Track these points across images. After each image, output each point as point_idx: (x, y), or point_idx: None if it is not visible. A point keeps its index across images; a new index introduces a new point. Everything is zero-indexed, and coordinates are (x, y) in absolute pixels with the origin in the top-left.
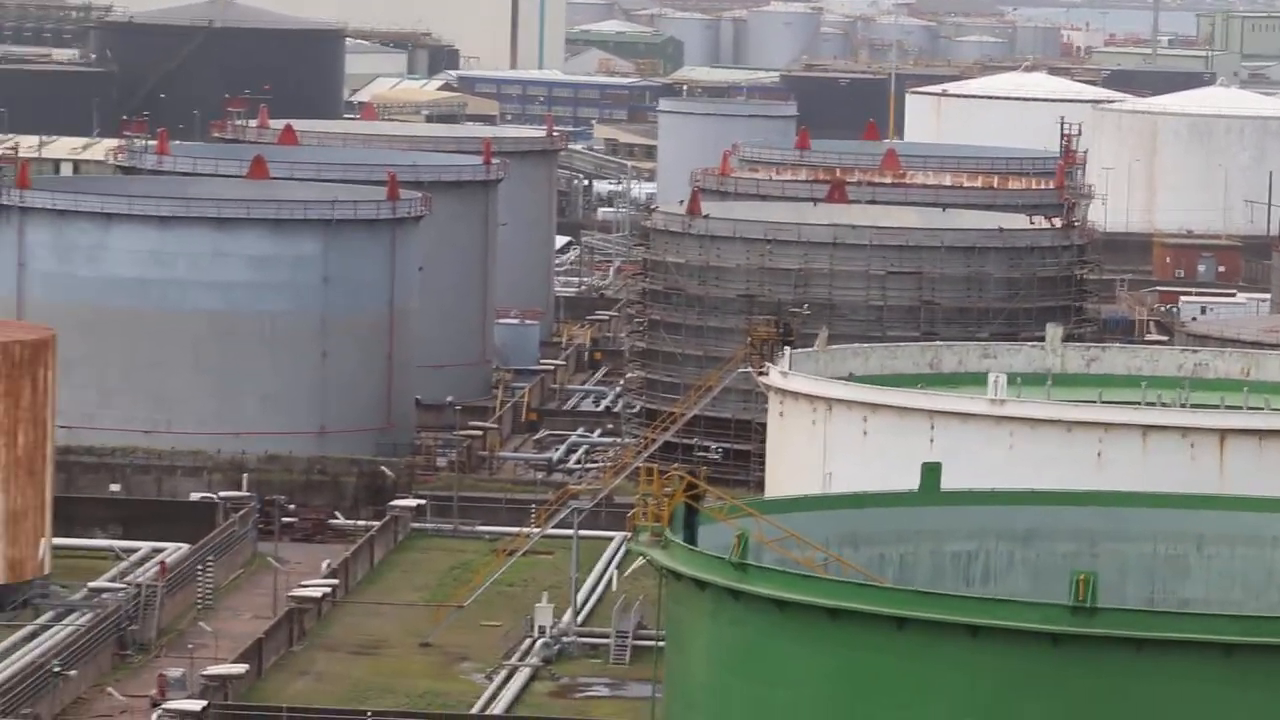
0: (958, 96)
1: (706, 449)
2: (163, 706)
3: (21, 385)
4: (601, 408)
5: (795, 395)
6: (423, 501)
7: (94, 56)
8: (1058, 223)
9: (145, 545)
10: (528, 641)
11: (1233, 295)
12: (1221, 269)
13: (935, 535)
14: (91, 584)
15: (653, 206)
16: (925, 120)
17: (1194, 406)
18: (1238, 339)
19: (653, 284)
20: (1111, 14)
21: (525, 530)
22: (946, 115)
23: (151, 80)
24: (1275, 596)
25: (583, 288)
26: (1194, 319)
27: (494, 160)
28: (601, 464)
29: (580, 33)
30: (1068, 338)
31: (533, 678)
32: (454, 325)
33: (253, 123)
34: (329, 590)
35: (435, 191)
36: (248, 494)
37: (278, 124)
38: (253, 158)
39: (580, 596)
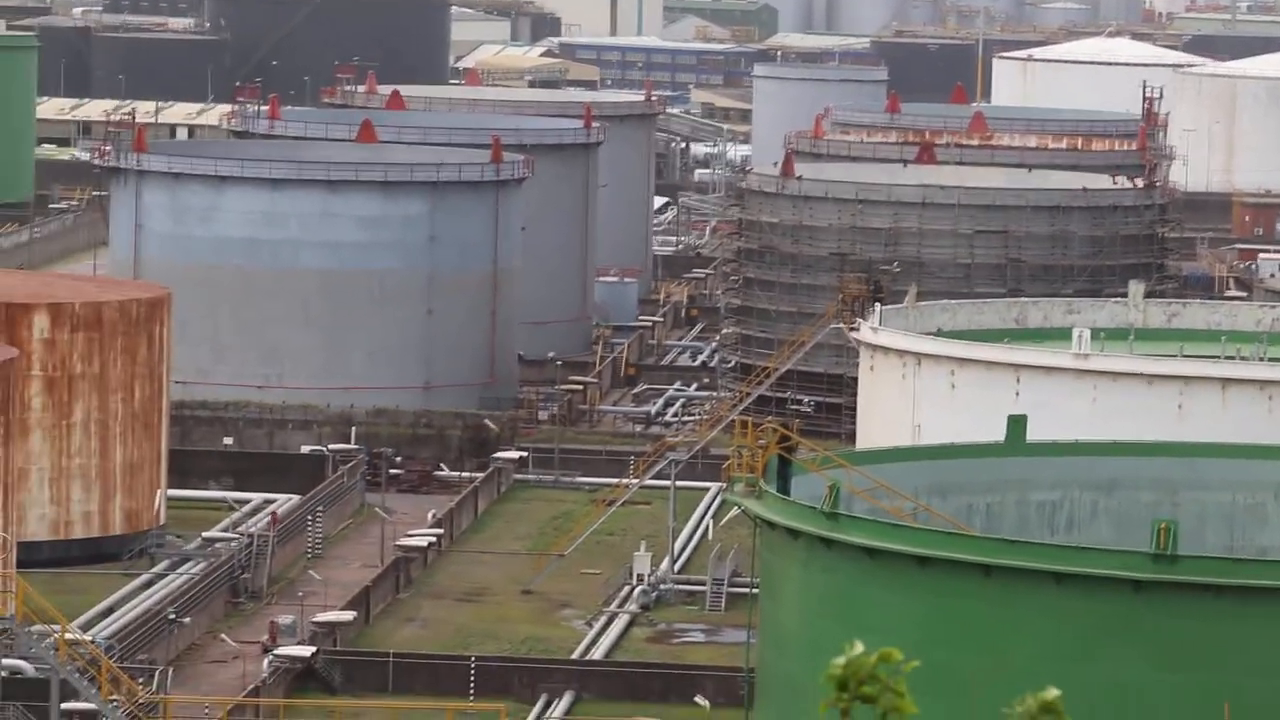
0: (1043, 61)
1: (799, 402)
2: (274, 652)
3: (138, 342)
4: (698, 363)
5: (885, 350)
6: (525, 453)
7: (208, 25)
8: (1140, 183)
9: (257, 496)
10: (626, 589)
11: None
12: None
13: (1021, 485)
14: (205, 534)
15: (748, 168)
16: (1011, 84)
17: (1272, 360)
18: None
19: (747, 243)
20: None
21: (624, 481)
22: (1032, 79)
23: (263, 48)
24: None
25: (680, 246)
26: (1272, 275)
27: (594, 124)
28: (698, 417)
29: (677, 0)
30: (1149, 294)
31: (631, 624)
32: (556, 283)
33: (361, 89)
34: (434, 540)
35: (538, 154)
36: (356, 446)
37: (385, 90)
38: (361, 122)
39: (677, 545)
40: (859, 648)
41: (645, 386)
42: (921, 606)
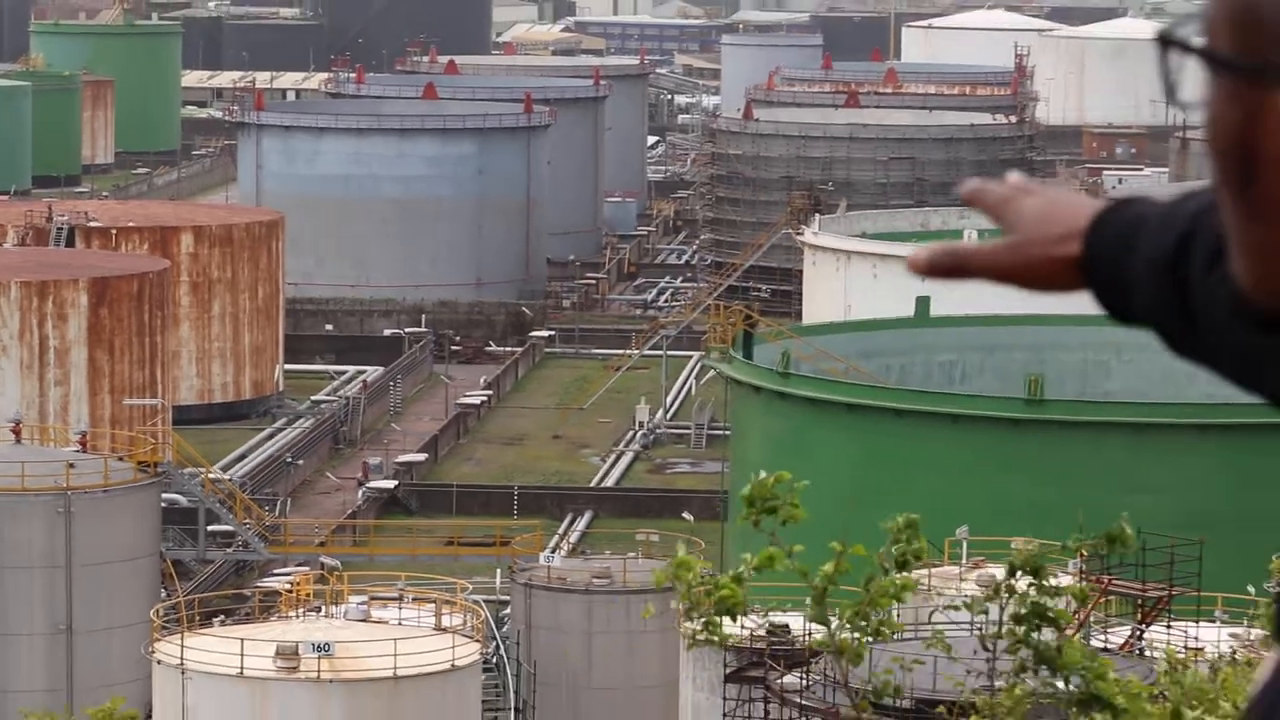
0: (940, 29)
1: (759, 290)
2: (366, 485)
3: (260, 253)
4: (683, 261)
5: (824, 249)
6: (552, 333)
7: (310, 14)
8: (1013, 119)
9: (351, 369)
10: (631, 433)
11: (1141, 170)
12: (1134, 151)
13: (926, 349)
14: (313, 397)
15: (718, 114)
16: (917, 47)
17: None
18: None
19: (718, 170)
20: None
21: (628, 352)
22: (932, 43)
23: (352, 30)
24: (1173, 390)
25: (668, 174)
26: (1113, 188)
27: (602, 82)
28: (683, 303)
29: None
30: None
31: (635, 459)
32: (574, 202)
33: (425, 59)
34: (485, 399)
35: (559, 106)
36: (425, 330)
37: (443, 59)
38: (425, 85)
39: (669, 399)
40: (762, 474)
41: (643, 280)
42: (852, 443)
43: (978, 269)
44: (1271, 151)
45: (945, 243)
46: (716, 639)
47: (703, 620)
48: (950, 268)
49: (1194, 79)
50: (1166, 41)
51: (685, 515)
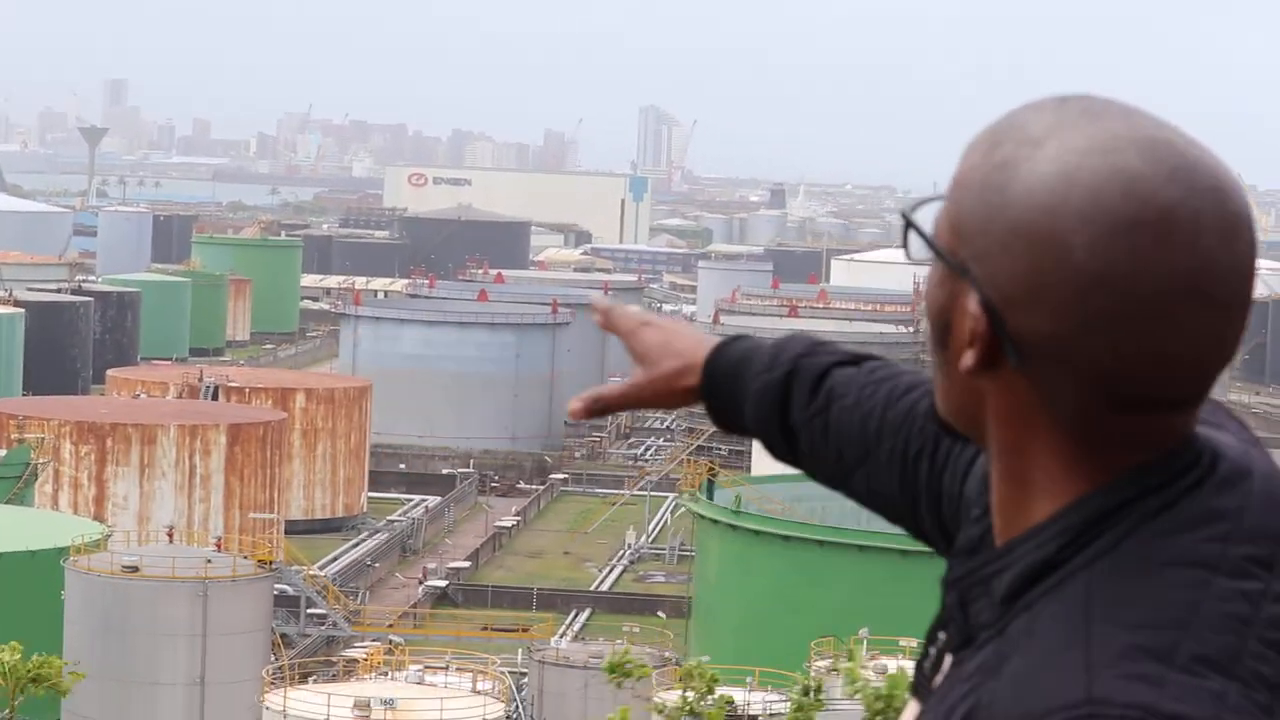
0: (860, 261)
1: (720, 449)
2: (425, 583)
3: (354, 410)
4: (665, 426)
5: None
6: (567, 476)
7: (396, 236)
8: (910, 329)
9: (417, 498)
10: (621, 551)
11: None
12: None
13: (842, 496)
14: (388, 517)
15: (694, 319)
16: (843, 274)
17: None
18: None
19: None
20: None
21: (622, 492)
22: (854, 271)
23: (427, 249)
24: None
25: None
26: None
27: (609, 292)
28: (664, 457)
29: (658, 225)
30: None
31: (623, 571)
32: (586, 379)
33: (480, 271)
34: (515, 523)
35: (578, 309)
36: (472, 471)
37: (493, 272)
38: (479, 290)
39: (650, 527)
40: (619, 645)
41: (635, 439)
42: (786, 564)
43: (619, 405)
44: (957, 328)
45: (593, 390)
46: None
47: None
48: (601, 409)
49: (918, 247)
50: (908, 221)
51: (659, 613)
